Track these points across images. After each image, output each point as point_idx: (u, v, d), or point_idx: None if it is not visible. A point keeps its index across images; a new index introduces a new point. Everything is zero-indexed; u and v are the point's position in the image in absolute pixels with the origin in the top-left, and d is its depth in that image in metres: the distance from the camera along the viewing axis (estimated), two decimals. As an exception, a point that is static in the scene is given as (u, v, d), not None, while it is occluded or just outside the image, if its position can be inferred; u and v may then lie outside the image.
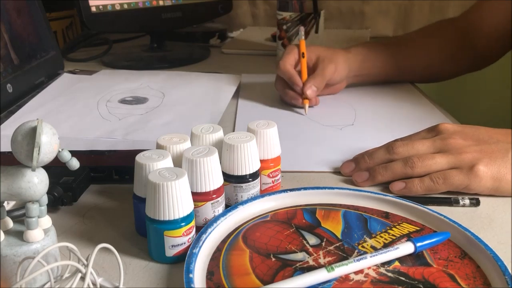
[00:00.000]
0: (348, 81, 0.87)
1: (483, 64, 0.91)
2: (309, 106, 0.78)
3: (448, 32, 0.88)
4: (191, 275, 0.38)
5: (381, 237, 0.45)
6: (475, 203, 0.51)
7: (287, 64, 0.79)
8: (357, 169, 0.57)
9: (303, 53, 0.80)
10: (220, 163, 0.47)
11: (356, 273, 0.40)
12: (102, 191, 0.55)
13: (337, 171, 0.59)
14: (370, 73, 0.87)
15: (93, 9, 0.99)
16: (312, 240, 0.44)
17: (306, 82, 0.77)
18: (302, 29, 0.85)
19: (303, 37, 0.83)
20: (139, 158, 0.44)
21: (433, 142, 0.56)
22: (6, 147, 0.48)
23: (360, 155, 0.58)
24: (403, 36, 0.96)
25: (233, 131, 0.70)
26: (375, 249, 0.43)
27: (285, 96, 0.80)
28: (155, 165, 0.43)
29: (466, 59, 0.88)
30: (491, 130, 0.57)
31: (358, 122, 0.75)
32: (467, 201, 0.51)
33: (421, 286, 0.39)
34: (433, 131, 0.58)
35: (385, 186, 0.54)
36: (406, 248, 0.42)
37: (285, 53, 0.81)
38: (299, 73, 0.79)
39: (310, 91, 0.77)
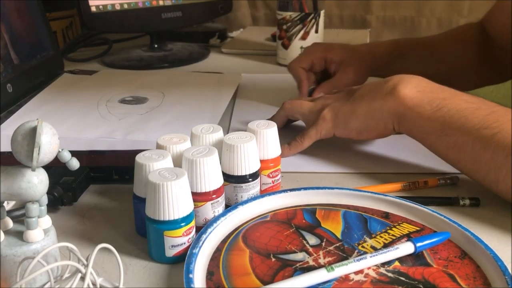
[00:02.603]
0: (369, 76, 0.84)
1: (501, 75, 0.83)
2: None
3: (468, 35, 0.84)
4: (191, 275, 0.38)
5: (381, 237, 0.45)
6: (475, 203, 0.51)
7: (299, 66, 0.79)
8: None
9: None
10: (220, 163, 0.47)
11: (356, 273, 0.40)
12: (102, 191, 0.55)
13: (337, 171, 0.59)
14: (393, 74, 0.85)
15: (93, 9, 0.99)
16: (312, 240, 0.44)
17: (317, 88, 0.79)
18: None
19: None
20: (139, 158, 0.44)
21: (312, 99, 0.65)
22: (6, 147, 0.48)
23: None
24: (428, 37, 0.89)
25: (228, 131, 0.70)
26: (375, 249, 0.43)
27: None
28: (155, 165, 0.43)
29: (484, 67, 0.83)
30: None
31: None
32: (467, 201, 0.51)
33: (421, 286, 0.39)
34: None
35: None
36: (406, 248, 0.42)
37: (300, 55, 0.81)
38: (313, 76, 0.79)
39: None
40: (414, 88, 0.54)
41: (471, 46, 0.83)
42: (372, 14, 1.40)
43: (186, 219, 0.42)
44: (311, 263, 0.41)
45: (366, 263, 0.40)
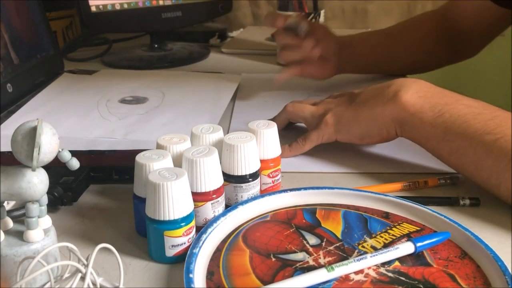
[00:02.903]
0: (339, 67, 0.87)
1: (462, 57, 0.92)
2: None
3: (428, 24, 0.90)
4: (191, 275, 0.38)
5: (381, 237, 0.45)
6: (476, 203, 0.51)
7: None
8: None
9: None
10: (220, 163, 0.47)
11: (356, 273, 0.40)
12: (102, 191, 0.55)
13: (337, 171, 0.59)
14: (358, 60, 0.90)
15: (93, 9, 0.99)
16: (312, 240, 0.44)
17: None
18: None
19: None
20: (139, 158, 0.44)
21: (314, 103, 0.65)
22: (6, 147, 0.48)
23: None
24: (388, 28, 0.96)
25: (228, 131, 0.70)
26: (375, 249, 0.43)
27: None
28: (155, 165, 0.43)
29: (446, 52, 0.90)
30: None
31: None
32: (467, 201, 0.51)
33: (421, 286, 0.39)
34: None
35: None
36: (406, 248, 0.42)
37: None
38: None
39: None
40: (415, 94, 0.54)
41: (430, 31, 0.89)
42: (372, 3, 1.42)
43: (186, 219, 0.42)
44: (311, 263, 0.41)
45: (366, 263, 0.40)
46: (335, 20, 1.43)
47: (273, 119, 0.68)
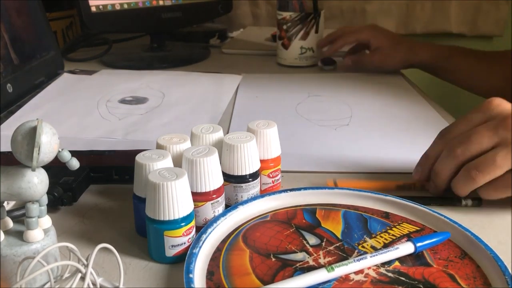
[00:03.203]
0: (409, 60, 0.97)
1: None
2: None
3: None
4: (191, 275, 0.38)
5: (381, 237, 0.45)
6: (478, 203, 0.51)
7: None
8: (426, 180, 0.53)
9: None
10: (220, 163, 0.47)
11: (356, 273, 0.40)
12: (102, 191, 0.55)
13: (337, 171, 0.59)
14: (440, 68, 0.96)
15: (93, 9, 0.99)
16: (312, 240, 0.44)
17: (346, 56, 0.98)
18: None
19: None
20: (139, 158, 0.44)
21: (494, 131, 0.47)
22: (6, 147, 0.48)
23: (424, 161, 0.54)
24: (481, 51, 0.98)
25: (228, 131, 0.70)
26: (375, 249, 0.43)
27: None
28: (155, 165, 0.43)
29: None
30: None
31: (356, 121, 0.75)
32: (469, 202, 0.51)
33: (421, 286, 0.39)
34: (483, 111, 0.50)
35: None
36: (406, 248, 0.42)
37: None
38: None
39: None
40: None
41: None
42: (371, 3, 1.42)
43: (186, 219, 0.42)
44: (311, 263, 0.41)
45: (366, 263, 0.40)
46: (333, 20, 1.43)
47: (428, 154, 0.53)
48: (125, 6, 1.04)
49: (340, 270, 0.39)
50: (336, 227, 0.46)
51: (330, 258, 0.42)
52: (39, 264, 0.35)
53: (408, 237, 0.44)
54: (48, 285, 0.37)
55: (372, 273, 0.40)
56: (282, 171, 0.55)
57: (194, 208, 0.43)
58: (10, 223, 0.40)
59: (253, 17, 1.50)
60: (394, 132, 0.62)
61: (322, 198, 0.51)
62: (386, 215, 0.48)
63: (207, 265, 0.41)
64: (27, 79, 0.83)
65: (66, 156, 0.37)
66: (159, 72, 1.00)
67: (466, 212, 0.50)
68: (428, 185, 0.53)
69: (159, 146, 0.48)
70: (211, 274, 0.40)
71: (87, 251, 0.37)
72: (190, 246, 0.42)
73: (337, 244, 0.44)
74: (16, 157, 0.36)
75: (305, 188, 0.51)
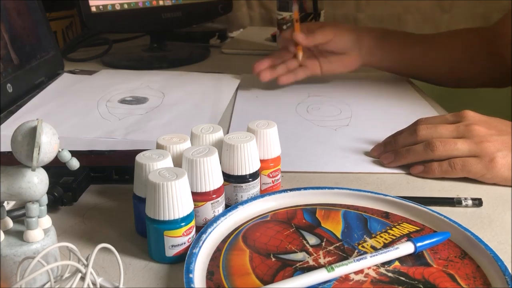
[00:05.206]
0: (363, 59, 0.86)
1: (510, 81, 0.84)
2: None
3: (478, 39, 0.85)
4: (191, 275, 0.38)
5: (381, 237, 0.45)
6: (478, 204, 0.51)
7: (286, 32, 0.85)
8: (384, 151, 0.61)
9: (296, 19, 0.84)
10: (220, 163, 0.47)
11: (356, 273, 0.40)
12: (102, 191, 0.55)
13: (337, 171, 0.59)
14: (385, 59, 0.87)
15: (93, 9, 0.99)
16: (312, 240, 0.44)
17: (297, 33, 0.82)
18: (295, 4, 0.88)
19: (296, 10, 0.86)
20: (139, 158, 0.44)
21: (456, 127, 0.57)
22: (6, 147, 0.48)
23: (388, 138, 0.62)
24: (429, 34, 0.91)
25: (228, 131, 0.70)
26: (375, 249, 0.43)
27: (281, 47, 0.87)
28: (155, 165, 0.43)
29: (493, 72, 0.84)
30: None
31: (356, 121, 0.75)
32: (469, 202, 0.51)
33: (421, 286, 0.39)
34: (457, 116, 0.59)
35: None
36: (406, 248, 0.42)
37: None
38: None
39: (299, 37, 0.81)
40: None
41: (474, 44, 0.84)
42: (363, 12, 1.42)
43: (186, 219, 0.42)
44: (311, 263, 0.41)
45: (366, 263, 0.40)
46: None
47: (406, 156, 0.58)
48: (125, 6, 1.04)
49: (340, 270, 0.39)
50: (336, 227, 0.46)
51: (330, 258, 0.42)
52: (39, 264, 0.35)
53: (408, 237, 0.44)
54: (48, 285, 0.37)
55: (372, 273, 0.40)
56: (282, 171, 0.55)
57: (194, 208, 0.43)
58: (10, 223, 0.40)
59: (250, 19, 1.50)
60: (394, 132, 0.62)
61: (322, 198, 0.51)
62: (386, 215, 0.48)
63: (207, 265, 0.41)
64: (27, 79, 0.83)
65: (66, 156, 0.37)
66: (159, 72, 1.00)
67: (466, 212, 0.50)
68: (384, 158, 0.60)
69: (159, 146, 0.48)
70: (211, 274, 0.40)
71: (87, 251, 0.37)
72: (190, 246, 0.42)
73: (337, 244, 0.44)
74: (16, 157, 0.36)
75: (305, 188, 0.51)
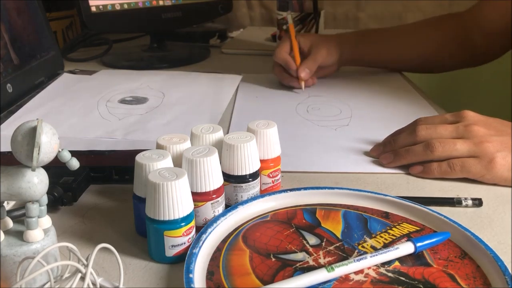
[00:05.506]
0: (340, 65, 0.93)
1: (480, 61, 0.93)
2: (307, 86, 0.87)
3: (448, 25, 0.91)
4: (191, 275, 0.38)
5: (381, 237, 0.45)
6: (478, 204, 0.51)
7: (283, 51, 0.87)
8: (383, 151, 0.61)
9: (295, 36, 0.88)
10: (220, 163, 0.47)
11: (356, 273, 0.40)
12: (102, 191, 0.55)
13: (337, 171, 0.59)
14: (364, 59, 0.94)
15: (93, 9, 0.99)
16: (312, 240, 0.44)
17: (300, 66, 0.85)
18: (289, 15, 0.91)
19: (291, 22, 0.90)
20: (139, 158, 0.44)
21: (455, 128, 0.57)
22: (6, 147, 0.48)
23: (387, 138, 0.62)
24: (401, 25, 0.98)
25: (228, 131, 0.70)
26: (375, 249, 0.43)
27: (283, 79, 0.89)
28: (155, 165, 0.43)
29: (463, 54, 0.90)
30: None
31: (356, 121, 0.75)
32: (469, 202, 0.51)
33: (421, 286, 0.39)
34: (457, 116, 0.59)
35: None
36: (406, 248, 0.42)
37: (280, 42, 0.90)
38: (294, 58, 0.86)
39: (304, 74, 0.85)
40: None
41: (448, 31, 0.90)
42: (364, 11, 1.43)
43: (186, 219, 0.42)
44: (311, 263, 0.41)
45: (366, 263, 0.40)
46: (326, 26, 1.43)
47: (406, 156, 0.58)
48: (125, 6, 1.04)
49: (340, 270, 0.39)
50: (336, 227, 0.46)
51: (330, 258, 0.42)
52: (39, 264, 0.35)
53: (408, 237, 0.44)
54: (48, 285, 0.37)
55: (372, 273, 0.40)
56: (282, 171, 0.55)
57: (194, 208, 0.43)
58: (10, 223, 0.40)
59: (250, 19, 1.50)
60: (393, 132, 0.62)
61: (322, 198, 0.51)
62: (386, 215, 0.48)
63: (207, 265, 0.41)
64: (27, 79, 0.83)
65: (66, 156, 0.37)
66: (159, 72, 1.00)
67: (466, 212, 0.50)
68: (383, 158, 0.60)
69: (159, 146, 0.48)
70: (211, 274, 0.40)
71: (87, 251, 0.37)
72: (190, 246, 0.42)
73: (337, 244, 0.44)
74: (16, 157, 0.36)
75: (305, 188, 0.51)
